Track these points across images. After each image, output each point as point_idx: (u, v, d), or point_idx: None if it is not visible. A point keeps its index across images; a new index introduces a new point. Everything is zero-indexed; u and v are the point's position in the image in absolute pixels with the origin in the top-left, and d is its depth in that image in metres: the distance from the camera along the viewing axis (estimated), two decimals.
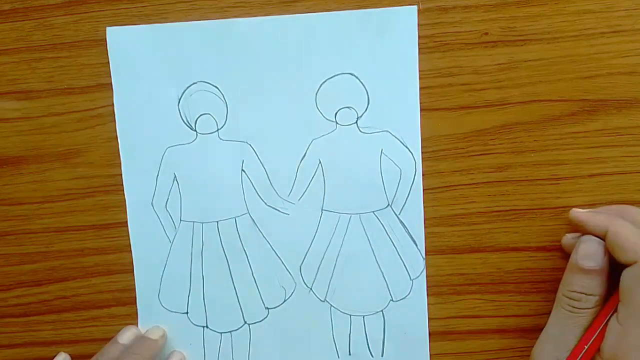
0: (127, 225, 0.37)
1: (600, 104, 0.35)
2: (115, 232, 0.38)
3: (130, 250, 0.38)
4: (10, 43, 0.37)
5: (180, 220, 0.37)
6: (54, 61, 0.37)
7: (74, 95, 0.37)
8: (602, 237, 0.32)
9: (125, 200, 0.37)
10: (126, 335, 0.37)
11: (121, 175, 0.37)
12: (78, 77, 0.37)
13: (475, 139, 0.36)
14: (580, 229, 0.33)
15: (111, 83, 0.36)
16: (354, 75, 0.35)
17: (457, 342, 0.37)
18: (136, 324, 0.38)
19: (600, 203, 0.36)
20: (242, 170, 0.36)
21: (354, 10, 0.35)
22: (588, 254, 0.32)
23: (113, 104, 0.37)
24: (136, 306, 0.38)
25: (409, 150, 0.36)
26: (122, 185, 0.37)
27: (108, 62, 0.36)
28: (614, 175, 0.36)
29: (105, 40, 0.36)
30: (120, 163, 0.37)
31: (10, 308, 0.38)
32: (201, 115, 0.36)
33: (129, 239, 0.37)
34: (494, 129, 0.36)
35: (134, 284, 0.38)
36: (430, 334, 0.37)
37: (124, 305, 0.38)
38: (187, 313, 0.38)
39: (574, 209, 0.34)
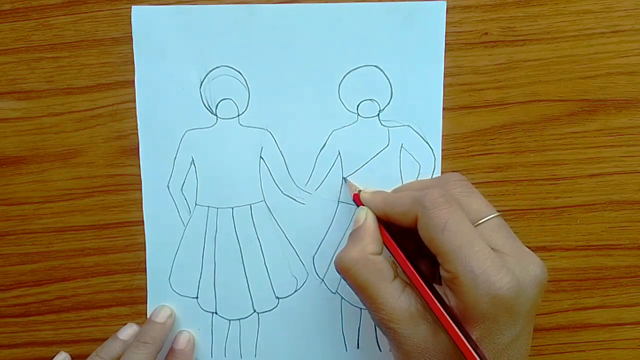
0: (127, 226, 0.37)
1: (600, 104, 0.35)
2: (115, 232, 0.38)
3: (131, 251, 0.38)
4: (10, 43, 0.37)
5: (196, 204, 0.37)
6: (54, 61, 0.37)
7: (74, 95, 0.37)
8: (383, 217, 0.31)
9: (125, 200, 0.37)
10: (127, 332, 0.37)
11: (121, 175, 0.37)
12: (78, 77, 0.37)
13: (475, 139, 0.36)
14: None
15: (111, 83, 0.36)
16: (379, 68, 0.35)
17: None
18: (136, 324, 0.38)
19: (600, 203, 0.36)
20: (261, 157, 0.36)
21: (382, 2, 0.35)
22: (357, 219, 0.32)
23: (113, 104, 0.37)
24: (136, 306, 0.38)
25: (430, 146, 0.36)
26: (122, 184, 0.37)
27: (108, 62, 0.36)
28: (614, 175, 0.36)
29: (105, 40, 0.36)
30: (120, 163, 0.37)
31: (10, 308, 0.38)
32: (222, 99, 0.36)
33: (129, 239, 0.37)
34: (493, 129, 0.36)
35: (134, 284, 0.38)
36: None
37: (124, 305, 0.38)
38: (197, 298, 0.38)
39: (359, 192, 0.33)
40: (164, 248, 0.37)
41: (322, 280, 0.37)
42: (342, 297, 0.37)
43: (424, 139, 0.36)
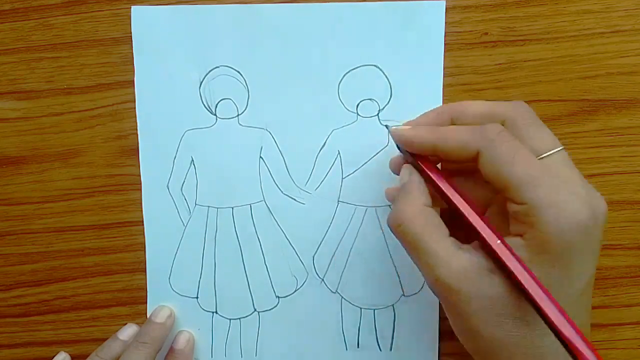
0: (127, 226, 0.37)
1: (600, 104, 0.35)
2: (115, 232, 0.38)
3: (131, 251, 0.38)
4: (10, 43, 0.37)
5: (195, 204, 0.37)
6: (54, 61, 0.37)
7: (73, 95, 0.37)
8: (430, 152, 0.29)
9: (125, 200, 0.37)
10: (127, 332, 0.37)
11: (121, 175, 0.37)
12: (78, 77, 0.37)
13: None
14: (408, 148, 0.30)
15: (111, 83, 0.36)
16: (378, 67, 0.35)
17: (456, 342, 0.37)
18: (136, 324, 0.38)
19: None
20: (260, 157, 0.36)
21: (382, 2, 0.35)
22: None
23: (113, 104, 0.37)
24: (136, 306, 0.38)
25: None
26: (122, 184, 0.37)
27: (108, 62, 0.36)
28: (614, 175, 0.36)
29: (105, 40, 0.36)
30: (120, 163, 0.37)
31: (10, 308, 0.38)
32: (222, 99, 0.36)
33: (129, 239, 0.37)
34: None
35: (134, 284, 0.38)
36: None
37: (124, 305, 0.38)
38: (197, 298, 0.38)
39: (393, 127, 0.30)
40: (163, 248, 0.37)
41: (322, 279, 0.37)
42: (342, 297, 0.37)
43: None
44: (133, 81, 0.36)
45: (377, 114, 0.36)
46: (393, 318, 0.37)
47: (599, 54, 0.35)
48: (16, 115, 0.37)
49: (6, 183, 0.38)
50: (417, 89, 0.35)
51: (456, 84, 0.35)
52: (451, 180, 0.29)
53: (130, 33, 0.36)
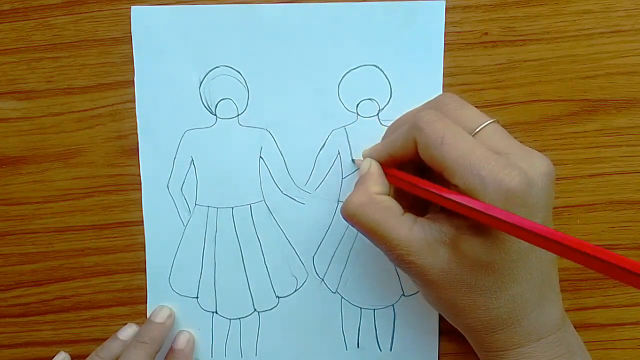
0: (127, 226, 0.37)
1: (600, 104, 0.35)
2: (115, 232, 0.38)
3: (131, 251, 0.38)
4: (10, 43, 0.37)
5: (195, 204, 0.37)
6: (54, 61, 0.37)
7: (74, 95, 0.37)
8: (390, 161, 0.31)
9: (125, 200, 0.37)
10: (127, 332, 0.37)
11: (121, 175, 0.37)
12: (78, 77, 0.37)
13: None
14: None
15: (111, 83, 0.36)
16: (378, 67, 0.35)
17: (456, 342, 0.37)
18: (136, 324, 0.38)
19: (600, 203, 0.36)
20: (260, 157, 0.36)
21: (382, 2, 0.35)
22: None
23: (113, 104, 0.37)
24: (136, 306, 0.38)
25: None
26: (122, 184, 0.37)
27: (108, 62, 0.36)
28: (614, 175, 0.36)
29: (105, 40, 0.36)
30: (120, 163, 0.37)
31: (10, 308, 0.38)
32: (222, 99, 0.36)
33: (129, 238, 0.37)
34: None
35: (134, 284, 0.38)
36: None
37: (124, 305, 0.38)
38: (197, 298, 0.38)
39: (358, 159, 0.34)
40: (163, 248, 0.37)
41: (322, 279, 0.37)
42: (342, 297, 0.37)
43: None
44: (133, 81, 0.36)
45: (377, 114, 0.36)
46: (393, 318, 0.37)
47: (599, 54, 0.35)
48: (16, 115, 0.37)
49: (6, 183, 0.38)
50: (417, 89, 0.35)
51: (456, 84, 0.35)
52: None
53: (130, 33, 0.36)
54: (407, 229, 0.28)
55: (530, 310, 0.28)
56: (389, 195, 0.30)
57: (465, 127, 0.28)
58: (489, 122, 0.28)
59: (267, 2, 0.35)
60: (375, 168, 0.31)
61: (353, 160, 0.36)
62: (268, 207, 0.37)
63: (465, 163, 0.26)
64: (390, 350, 0.37)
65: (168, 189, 0.37)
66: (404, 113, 0.35)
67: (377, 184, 0.31)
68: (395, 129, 0.33)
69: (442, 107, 0.30)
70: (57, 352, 0.38)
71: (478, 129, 0.28)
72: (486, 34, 0.35)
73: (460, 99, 0.30)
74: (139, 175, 0.37)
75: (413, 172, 0.31)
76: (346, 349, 0.37)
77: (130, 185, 0.37)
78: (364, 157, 0.33)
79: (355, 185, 0.31)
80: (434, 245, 0.28)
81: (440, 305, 0.30)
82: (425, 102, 0.33)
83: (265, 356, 0.38)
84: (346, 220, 0.30)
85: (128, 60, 0.36)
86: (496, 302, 0.28)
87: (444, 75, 0.35)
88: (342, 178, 0.36)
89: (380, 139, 0.35)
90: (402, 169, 0.31)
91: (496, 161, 0.26)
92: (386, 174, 0.31)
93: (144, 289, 0.38)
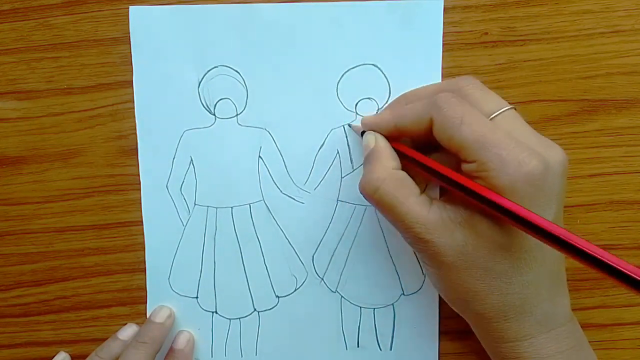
0: (127, 226, 0.37)
1: (600, 104, 0.35)
2: (115, 232, 0.38)
3: (131, 251, 0.38)
4: (10, 43, 0.37)
5: (195, 204, 0.37)
6: (54, 61, 0.37)
7: (74, 95, 0.37)
8: (394, 132, 0.31)
9: (125, 200, 0.37)
10: (127, 332, 0.37)
11: (121, 175, 0.37)
12: (78, 77, 0.37)
13: None
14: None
15: (111, 83, 0.36)
16: (377, 67, 0.35)
17: (456, 341, 0.37)
18: (136, 324, 0.38)
19: (600, 203, 0.36)
20: (259, 156, 0.36)
21: (380, 1, 0.35)
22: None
23: (113, 104, 0.37)
24: (136, 306, 0.38)
25: None
26: (122, 184, 0.37)
27: (108, 62, 0.36)
28: (614, 175, 0.36)
29: (105, 40, 0.36)
30: (120, 163, 0.37)
31: (10, 308, 0.38)
32: (221, 99, 0.36)
33: (129, 238, 0.37)
34: None
35: (134, 284, 0.38)
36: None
37: (124, 305, 0.38)
38: (196, 298, 0.38)
39: (361, 119, 0.33)
40: (163, 248, 0.37)
41: (322, 279, 0.37)
42: (341, 296, 0.37)
43: None
44: (133, 81, 0.36)
45: (377, 113, 0.36)
46: (393, 317, 0.37)
47: (599, 54, 0.35)
48: (16, 115, 0.37)
49: (6, 183, 0.38)
50: (415, 88, 0.35)
51: None
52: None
53: (130, 33, 0.36)
54: (426, 208, 0.28)
55: (542, 298, 0.28)
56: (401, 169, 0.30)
57: (483, 111, 0.28)
58: (507, 108, 0.29)
59: (265, 1, 0.35)
60: (384, 142, 0.31)
61: (349, 125, 0.35)
62: (267, 207, 0.37)
63: (485, 142, 0.26)
64: (391, 349, 0.37)
65: (167, 189, 0.37)
66: (418, 88, 0.34)
67: (391, 158, 0.30)
68: (406, 101, 0.33)
69: (461, 89, 0.30)
70: (57, 352, 0.38)
71: (496, 114, 0.29)
72: (486, 34, 0.35)
73: (480, 83, 0.30)
74: (139, 175, 0.37)
75: (411, 147, 0.31)
76: (346, 349, 0.37)
77: (130, 185, 0.37)
78: (366, 126, 0.33)
79: (366, 161, 0.31)
80: (450, 225, 0.28)
81: (453, 290, 0.29)
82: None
83: (265, 356, 0.38)
84: (366, 198, 0.30)
85: (128, 60, 0.36)
86: (510, 287, 0.28)
87: (444, 76, 0.35)
88: (342, 177, 0.36)
89: (384, 110, 0.34)
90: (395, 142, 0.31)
91: (516, 144, 0.26)
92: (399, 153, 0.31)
93: (143, 289, 0.38)
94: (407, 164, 0.31)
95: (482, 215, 0.27)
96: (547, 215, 0.27)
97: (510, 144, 0.26)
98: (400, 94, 0.34)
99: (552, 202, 0.27)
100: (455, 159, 0.28)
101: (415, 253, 0.32)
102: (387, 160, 0.30)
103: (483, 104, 0.29)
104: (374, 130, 0.32)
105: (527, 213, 0.25)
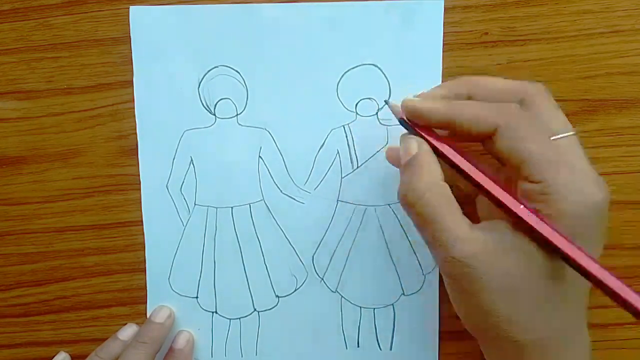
0: (127, 226, 0.37)
1: (600, 104, 0.35)
2: (115, 232, 0.38)
3: (131, 251, 0.38)
4: (10, 43, 0.37)
5: (195, 204, 0.37)
6: (54, 61, 0.37)
7: (74, 95, 0.37)
8: (444, 127, 0.29)
9: (125, 200, 0.37)
10: (127, 333, 0.37)
11: (121, 175, 0.37)
12: (78, 77, 0.37)
13: None
14: (420, 121, 0.29)
15: (111, 83, 0.36)
16: (377, 67, 0.35)
17: (456, 341, 0.37)
18: (136, 324, 0.38)
19: None
20: (260, 156, 0.36)
21: (380, 1, 0.35)
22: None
23: (113, 104, 0.37)
24: (136, 306, 0.38)
25: None
26: (122, 184, 0.37)
27: (108, 62, 0.36)
28: (614, 175, 0.36)
29: (105, 40, 0.36)
30: (120, 163, 0.37)
31: (10, 308, 0.38)
32: (221, 99, 0.36)
33: (129, 238, 0.37)
34: None
35: (134, 284, 0.38)
36: None
37: (124, 305, 0.38)
38: (197, 298, 0.38)
39: (405, 99, 0.29)
40: (163, 248, 0.37)
41: (322, 279, 0.37)
42: (341, 296, 0.37)
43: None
44: (133, 81, 0.36)
45: (376, 113, 0.36)
46: (393, 317, 0.37)
47: (599, 54, 0.35)
48: (16, 115, 0.37)
49: (6, 183, 0.38)
50: (416, 88, 0.35)
51: None
52: (465, 154, 0.28)
53: (130, 33, 0.36)
54: (469, 228, 0.26)
55: (581, 329, 0.28)
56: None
57: (548, 128, 0.27)
58: (571, 133, 0.27)
59: (265, 1, 0.35)
60: (429, 149, 0.28)
61: (386, 102, 0.32)
62: (267, 207, 0.37)
63: (553, 163, 0.26)
64: (391, 349, 0.37)
65: (167, 189, 0.37)
66: (482, 79, 0.30)
67: (437, 168, 0.28)
68: (467, 92, 0.30)
69: (531, 97, 0.28)
70: (57, 352, 0.38)
71: (560, 136, 0.27)
72: (486, 34, 0.35)
73: (550, 95, 0.29)
74: (139, 175, 0.37)
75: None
76: (346, 348, 0.37)
77: (130, 185, 0.37)
78: (411, 111, 0.29)
79: (408, 168, 0.28)
80: (497, 249, 0.26)
81: (490, 316, 0.27)
82: (511, 79, 0.30)
83: (265, 356, 0.38)
84: (405, 207, 0.28)
85: (128, 60, 0.36)
86: (554, 317, 0.27)
87: (445, 76, 0.35)
88: (342, 177, 0.36)
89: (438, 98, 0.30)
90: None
91: (582, 171, 0.26)
92: (439, 155, 0.28)
93: (144, 289, 0.38)
94: (451, 172, 0.28)
95: (535, 242, 0.26)
96: (600, 246, 0.27)
97: (577, 171, 0.26)
98: (458, 78, 0.30)
99: (605, 234, 0.27)
100: (511, 173, 0.27)
101: (443, 277, 0.29)
102: (434, 169, 0.28)
103: (550, 121, 0.27)
104: (419, 117, 0.29)
105: (587, 261, 0.25)
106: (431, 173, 0.27)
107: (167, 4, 0.36)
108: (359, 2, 0.35)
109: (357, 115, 0.36)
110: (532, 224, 0.25)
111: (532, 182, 0.26)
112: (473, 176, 0.27)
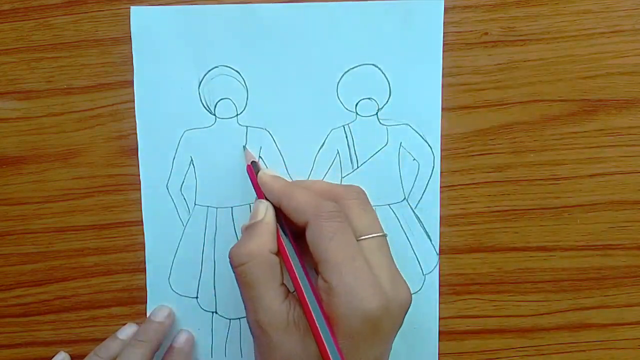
0: (127, 226, 0.37)
1: (600, 104, 0.35)
2: (115, 232, 0.38)
3: (131, 251, 0.38)
4: (10, 43, 0.37)
5: (195, 204, 0.37)
6: (54, 61, 0.37)
7: (74, 95, 0.37)
8: (276, 205, 0.31)
9: (125, 200, 0.37)
10: (126, 332, 0.37)
11: (121, 175, 0.37)
12: (78, 77, 0.37)
13: (475, 139, 0.36)
14: (264, 193, 0.32)
15: (111, 83, 0.36)
16: (377, 67, 0.35)
17: (456, 341, 0.37)
18: (136, 324, 0.38)
19: (600, 203, 0.36)
20: (260, 156, 0.36)
21: (380, 1, 0.35)
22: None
23: (113, 104, 0.37)
24: (136, 306, 0.38)
25: (429, 145, 0.36)
26: (122, 184, 0.37)
27: (108, 62, 0.36)
28: (614, 175, 0.36)
29: (105, 40, 0.36)
30: (120, 163, 0.37)
31: (10, 308, 0.38)
32: (221, 99, 0.36)
33: (129, 239, 0.37)
34: (493, 129, 0.36)
35: (134, 284, 0.38)
36: None
37: (124, 305, 0.38)
38: (196, 298, 0.38)
39: (261, 173, 0.33)
40: (163, 248, 0.37)
41: None
42: None
43: (422, 138, 0.36)
44: (133, 81, 0.36)
45: (376, 113, 0.36)
46: None
47: (599, 54, 0.35)
48: (16, 115, 0.37)
49: (6, 183, 0.38)
50: (416, 88, 0.35)
51: (456, 84, 0.35)
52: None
53: (130, 33, 0.36)
54: (279, 300, 0.29)
55: None
56: (276, 253, 0.30)
57: (356, 227, 0.29)
58: (378, 234, 0.30)
59: (265, 1, 0.35)
60: (271, 218, 0.31)
61: (244, 147, 0.36)
62: None
63: (341, 267, 0.27)
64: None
65: (167, 189, 0.37)
66: (310, 182, 0.34)
67: (272, 240, 0.30)
68: (298, 185, 0.33)
69: (345, 199, 0.30)
70: (57, 352, 0.38)
71: (366, 237, 0.29)
72: (486, 34, 0.35)
73: (366, 199, 0.31)
74: (139, 175, 0.37)
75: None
76: None
77: (130, 185, 0.37)
78: (259, 179, 0.32)
79: (248, 231, 0.30)
80: (291, 327, 0.28)
81: None
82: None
83: None
84: (232, 266, 0.30)
85: (128, 60, 0.36)
86: None
87: (445, 76, 0.35)
88: (342, 177, 0.36)
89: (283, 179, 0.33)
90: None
91: (367, 279, 0.27)
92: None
93: (143, 289, 0.38)
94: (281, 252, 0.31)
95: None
96: (372, 352, 0.28)
97: (361, 278, 0.27)
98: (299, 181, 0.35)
99: (382, 342, 0.28)
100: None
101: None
102: (267, 240, 0.30)
103: (357, 222, 0.29)
104: (262, 187, 0.32)
105: None
106: (261, 243, 0.29)
107: (167, 4, 0.36)
108: (359, 2, 0.35)
109: (357, 115, 0.36)
110: (308, 318, 0.28)
111: (324, 280, 0.28)
112: (285, 259, 0.30)
